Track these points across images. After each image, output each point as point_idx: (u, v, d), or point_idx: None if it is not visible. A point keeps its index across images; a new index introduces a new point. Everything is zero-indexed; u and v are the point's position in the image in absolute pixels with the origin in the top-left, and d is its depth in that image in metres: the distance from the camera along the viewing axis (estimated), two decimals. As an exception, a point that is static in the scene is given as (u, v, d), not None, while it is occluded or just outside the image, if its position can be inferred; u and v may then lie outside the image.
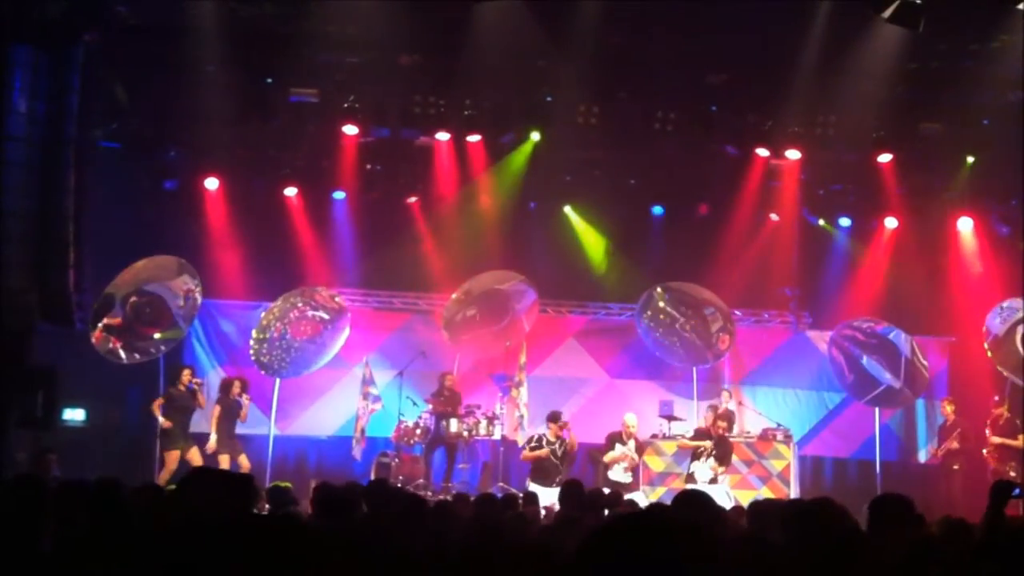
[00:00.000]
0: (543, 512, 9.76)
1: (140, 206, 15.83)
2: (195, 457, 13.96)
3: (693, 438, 14.29)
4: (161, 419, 14.06)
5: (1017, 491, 5.50)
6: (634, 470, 14.19)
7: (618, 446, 13.99)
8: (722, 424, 14.01)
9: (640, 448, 14.32)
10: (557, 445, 13.87)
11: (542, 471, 13.69)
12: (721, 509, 7.25)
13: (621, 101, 15.39)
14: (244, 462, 14.18)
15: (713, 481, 13.42)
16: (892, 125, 15.35)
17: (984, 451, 14.86)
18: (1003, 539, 5.26)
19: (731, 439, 14.35)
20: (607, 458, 14.00)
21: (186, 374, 14.47)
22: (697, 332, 15.99)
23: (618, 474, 13.89)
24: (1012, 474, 14.01)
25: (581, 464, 15.26)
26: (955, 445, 15.33)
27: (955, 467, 15.22)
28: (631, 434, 14.09)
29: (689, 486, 12.85)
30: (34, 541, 4.47)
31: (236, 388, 14.56)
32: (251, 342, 15.11)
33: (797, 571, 3.98)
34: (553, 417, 14.14)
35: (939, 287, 16.95)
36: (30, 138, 12.33)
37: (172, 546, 3.51)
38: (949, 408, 15.54)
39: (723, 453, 13.78)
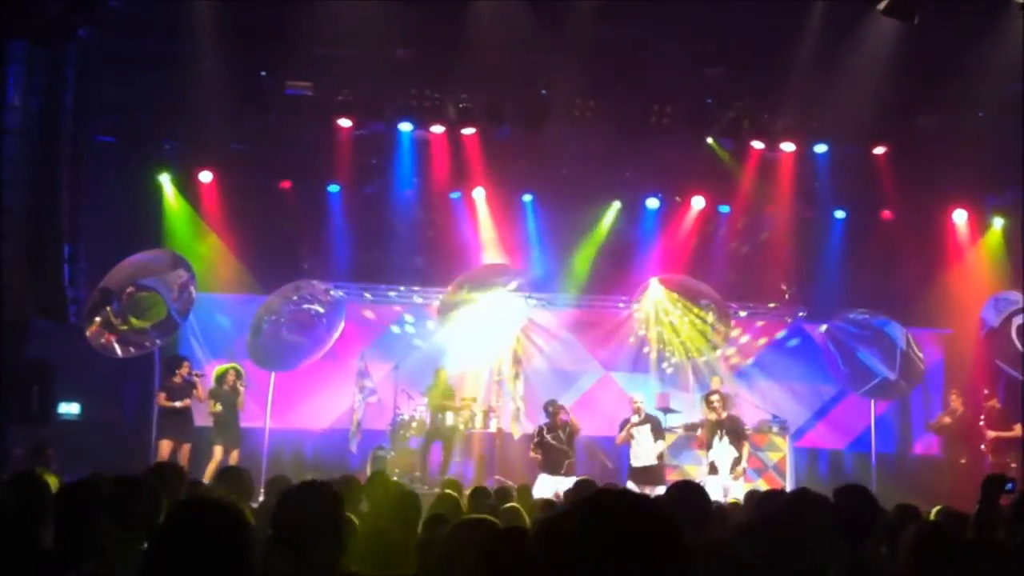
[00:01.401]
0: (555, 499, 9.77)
1: (135, 200, 15.81)
2: (185, 452, 13.94)
3: (690, 427, 13.90)
4: (177, 403, 14.01)
5: (1010, 485, 5.53)
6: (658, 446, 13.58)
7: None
8: (713, 400, 13.59)
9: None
10: (560, 431, 13.66)
11: (550, 461, 13.57)
12: (715, 502, 7.28)
13: (617, 95, 15.38)
14: (234, 457, 14.12)
15: (734, 468, 13.19)
16: (888, 118, 15.35)
17: (982, 446, 14.85)
18: (997, 531, 5.29)
19: (733, 414, 13.98)
20: (619, 440, 13.78)
21: (185, 366, 14.44)
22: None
23: (641, 459, 13.45)
24: (1013, 465, 14.04)
25: (581, 458, 15.29)
26: (947, 420, 15.43)
27: (962, 461, 15.23)
28: (637, 408, 13.65)
29: (712, 477, 12.83)
30: (35, 536, 4.48)
31: (231, 377, 14.53)
32: (246, 335, 15.12)
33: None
34: (549, 408, 13.99)
35: (935, 279, 16.97)
36: (25, 133, 12.31)
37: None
38: (958, 401, 15.53)
39: (732, 429, 13.49)
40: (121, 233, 15.16)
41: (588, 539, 1.89)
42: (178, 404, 14.04)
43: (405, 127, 15.91)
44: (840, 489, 4.97)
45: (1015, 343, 15.31)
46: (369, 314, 16.84)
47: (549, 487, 12.28)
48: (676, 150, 16.27)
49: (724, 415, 13.50)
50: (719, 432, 13.32)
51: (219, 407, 14.28)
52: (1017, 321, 15.41)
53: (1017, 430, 14.65)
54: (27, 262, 12.42)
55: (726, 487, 12.54)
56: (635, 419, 13.54)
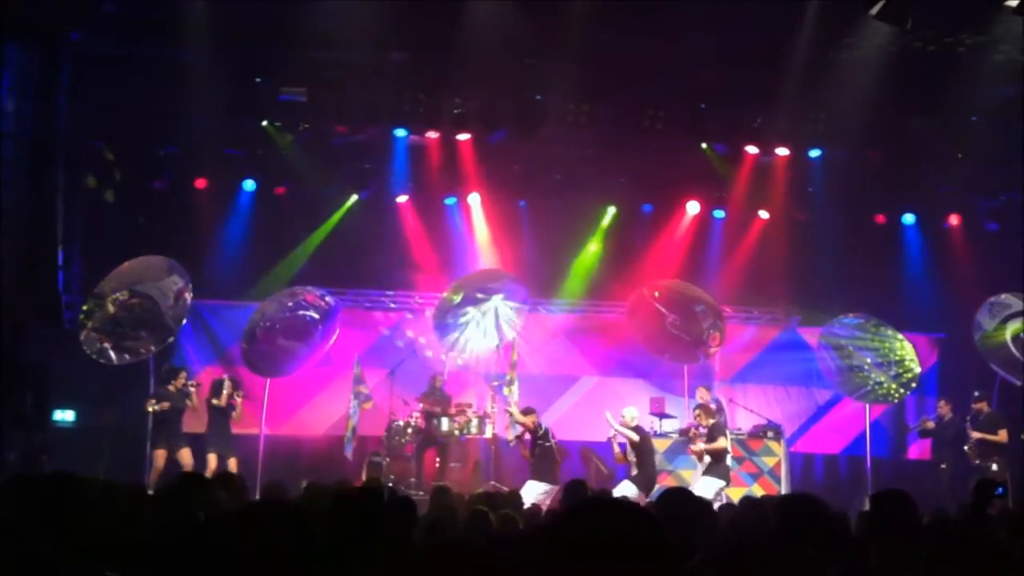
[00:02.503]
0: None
1: (130, 206, 15.80)
2: (185, 457, 13.91)
3: (683, 432, 14.12)
4: (157, 406, 13.96)
5: (1000, 490, 5.54)
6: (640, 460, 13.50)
7: None
8: (697, 413, 13.83)
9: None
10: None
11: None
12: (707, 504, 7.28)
13: (612, 99, 15.40)
14: (232, 465, 14.10)
15: (712, 466, 13.25)
16: (882, 122, 15.35)
17: (965, 447, 14.81)
18: (987, 534, 5.29)
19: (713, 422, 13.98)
20: (617, 461, 13.79)
21: (181, 377, 14.39)
22: (687, 330, 15.92)
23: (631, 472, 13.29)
24: (994, 468, 14.04)
25: (576, 462, 15.29)
26: (929, 424, 15.39)
27: (942, 465, 15.22)
28: (623, 423, 13.33)
29: (698, 477, 13.00)
30: (30, 538, 4.47)
31: (228, 388, 14.50)
32: (241, 342, 15.09)
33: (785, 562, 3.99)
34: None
35: (929, 283, 16.99)
36: (19, 137, 12.31)
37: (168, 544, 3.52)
38: (946, 408, 15.50)
39: (711, 432, 13.48)
40: (116, 238, 15.15)
41: (573, 541, 1.90)
42: (157, 407, 13.96)
43: (400, 132, 15.92)
44: (878, 494, 4.96)
45: (1009, 347, 15.30)
46: (364, 320, 16.82)
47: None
48: (671, 155, 16.29)
49: (710, 422, 13.55)
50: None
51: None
52: (1011, 325, 15.40)
53: (1003, 435, 14.61)
54: (22, 266, 12.41)
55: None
56: (611, 432, 13.40)
